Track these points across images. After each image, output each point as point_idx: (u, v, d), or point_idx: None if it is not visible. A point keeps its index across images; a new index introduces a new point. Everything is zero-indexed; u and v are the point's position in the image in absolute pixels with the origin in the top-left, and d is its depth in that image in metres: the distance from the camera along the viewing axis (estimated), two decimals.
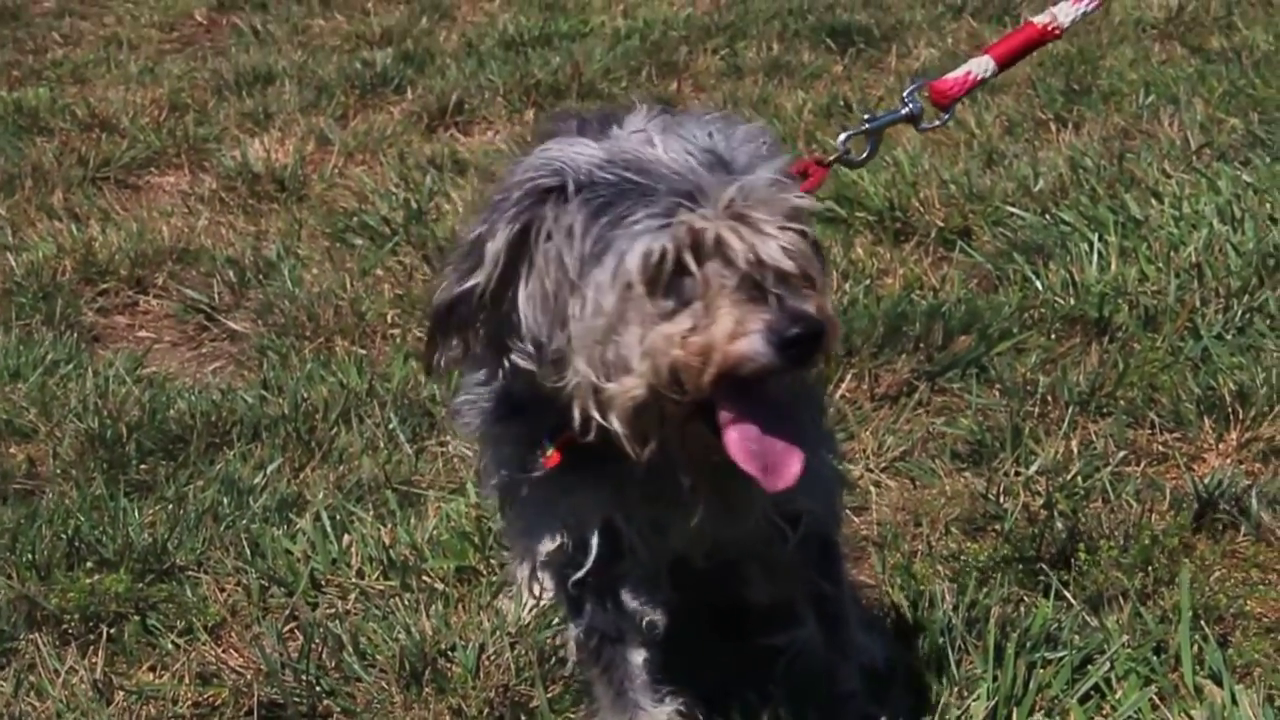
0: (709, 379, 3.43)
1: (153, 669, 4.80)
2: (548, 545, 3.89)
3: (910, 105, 4.15)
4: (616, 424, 3.51)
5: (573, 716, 4.44)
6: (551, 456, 3.70)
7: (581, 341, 3.47)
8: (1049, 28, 4.23)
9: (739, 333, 3.39)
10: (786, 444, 3.51)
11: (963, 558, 4.94)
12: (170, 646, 4.86)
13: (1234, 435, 5.53)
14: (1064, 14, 4.25)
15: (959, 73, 4.16)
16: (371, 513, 5.47)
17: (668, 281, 3.42)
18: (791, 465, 3.50)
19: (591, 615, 3.99)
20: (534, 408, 3.70)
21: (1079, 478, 5.33)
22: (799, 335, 3.39)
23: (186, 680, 4.68)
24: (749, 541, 3.97)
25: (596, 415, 3.52)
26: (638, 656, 4.02)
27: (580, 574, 3.88)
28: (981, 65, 4.17)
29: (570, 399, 3.54)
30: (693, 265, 3.41)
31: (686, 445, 3.58)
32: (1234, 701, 4.12)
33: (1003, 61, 4.22)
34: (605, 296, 3.43)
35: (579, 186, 3.46)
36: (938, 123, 4.22)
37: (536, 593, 4.68)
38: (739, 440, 3.49)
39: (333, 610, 4.97)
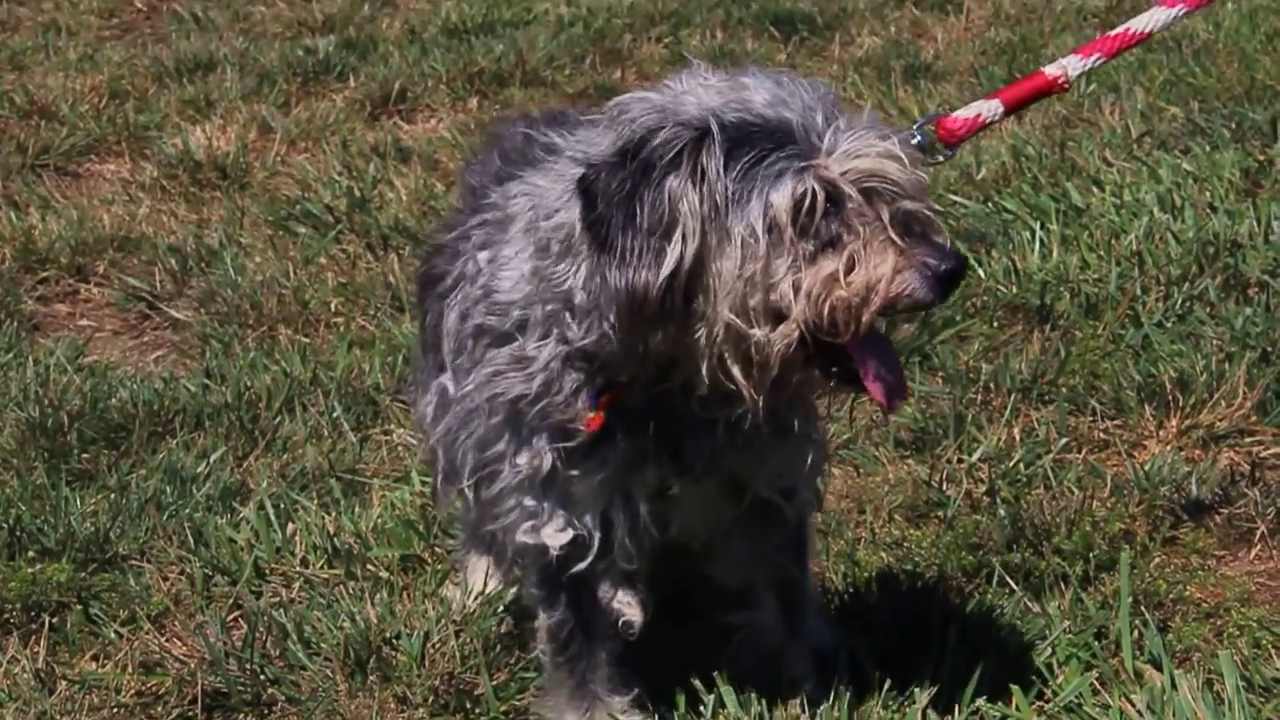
0: (868, 317, 3.49)
1: (95, 658, 4.78)
2: (561, 538, 3.88)
3: (919, 138, 4.18)
4: (753, 373, 3.53)
5: (518, 704, 4.44)
6: (595, 418, 3.71)
7: (726, 288, 3.48)
8: (1059, 80, 4.31)
9: (900, 268, 3.47)
10: (903, 377, 3.64)
11: (906, 545, 4.97)
12: (113, 636, 4.84)
13: (1174, 422, 5.57)
14: (1073, 68, 4.33)
15: (968, 113, 4.21)
16: (316, 501, 5.46)
17: (814, 224, 3.46)
18: (906, 394, 3.67)
19: (566, 608, 4.00)
20: (593, 371, 3.70)
21: (1021, 465, 5.37)
22: (953, 270, 3.50)
23: (130, 669, 4.67)
24: (738, 520, 4.00)
25: (735, 366, 3.53)
26: (603, 649, 4.05)
27: (582, 566, 3.89)
28: (990, 109, 4.24)
29: (693, 352, 3.55)
30: (839, 204, 3.46)
31: (795, 389, 3.63)
32: (1174, 686, 4.15)
33: (1010, 106, 4.31)
34: (754, 240, 3.45)
35: (719, 130, 3.46)
36: (940, 159, 4.25)
37: (497, 581, 4.71)
38: (873, 374, 3.57)
39: (277, 599, 4.96)
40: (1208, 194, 7.06)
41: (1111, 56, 4.42)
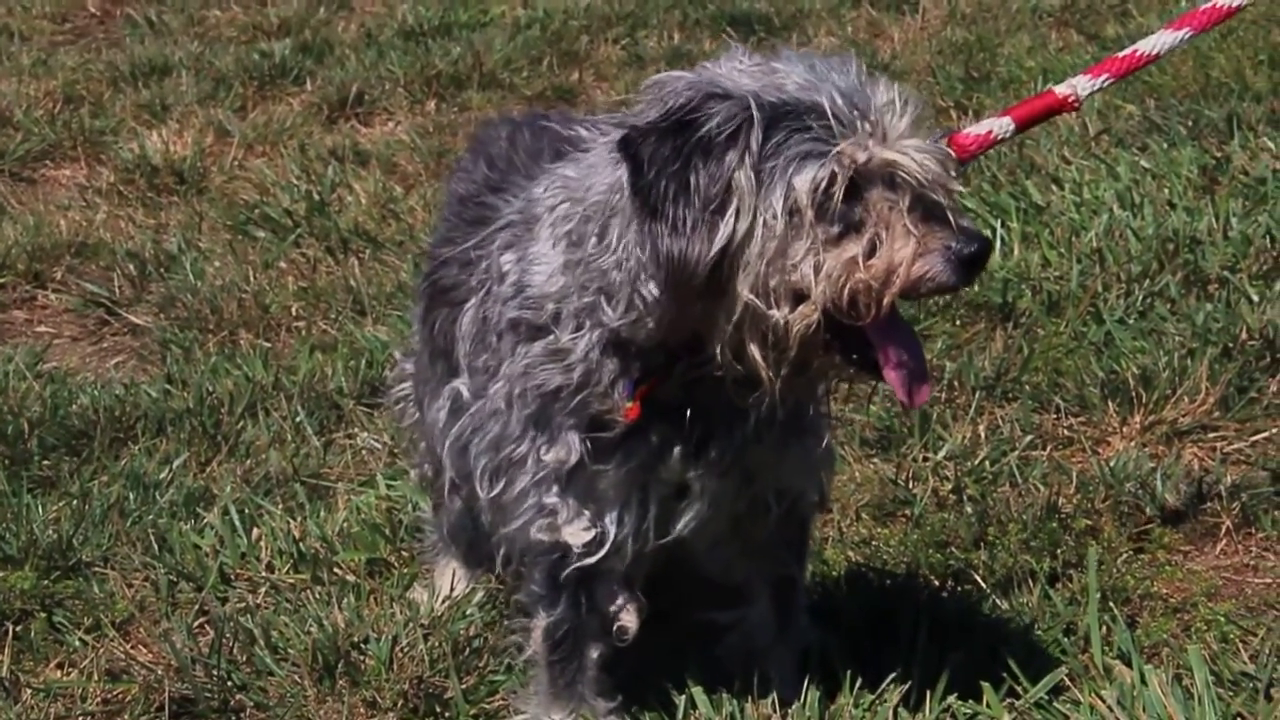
0: (888, 300, 3.50)
1: (60, 666, 4.73)
2: (584, 536, 3.88)
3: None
4: (770, 354, 3.54)
5: (487, 707, 4.42)
6: (633, 408, 3.72)
7: (748, 267, 3.48)
8: (1068, 99, 4.36)
9: (921, 252, 3.48)
10: (925, 367, 3.65)
11: (874, 543, 4.97)
12: (78, 643, 4.80)
13: (1138, 418, 5.59)
14: (1082, 87, 4.39)
15: (979, 129, 4.24)
16: (280, 506, 5.43)
17: (834, 207, 3.47)
18: (929, 386, 3.66)
19: (566, 608, 4.00)
20: (629, 360, 3.71)
21: (987, 462, 5.38)
22: (976, 253, 3.51)
23: (95, 677, 4.62)
24: (742, 519, 4.00)
25: (753, 345, 3.54)
26: (594, 652, 4.06)
27: (591, 561, 3.88)
28: (1001, 126, 4.30)
29: (709, 334, 3.57)
30: (861, 189, 3.48)
31: (812, 374, 3.65)
32: (1143, 681, 4.16)
33: (1021, 124, 4.37)
34: (774, 221, 3.46)
35: (758, 110, 3.47)
36: (951, 174, 4.27)
37: (465, 584, 4.72)
38: (893, 362, 3.60)
39: (243, 604, 4.92)
40: (1166, 191, 7.09)
41: (1120, 77, 4.49)
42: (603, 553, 3.87)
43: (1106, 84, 4.44)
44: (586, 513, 3.87)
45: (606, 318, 3.68)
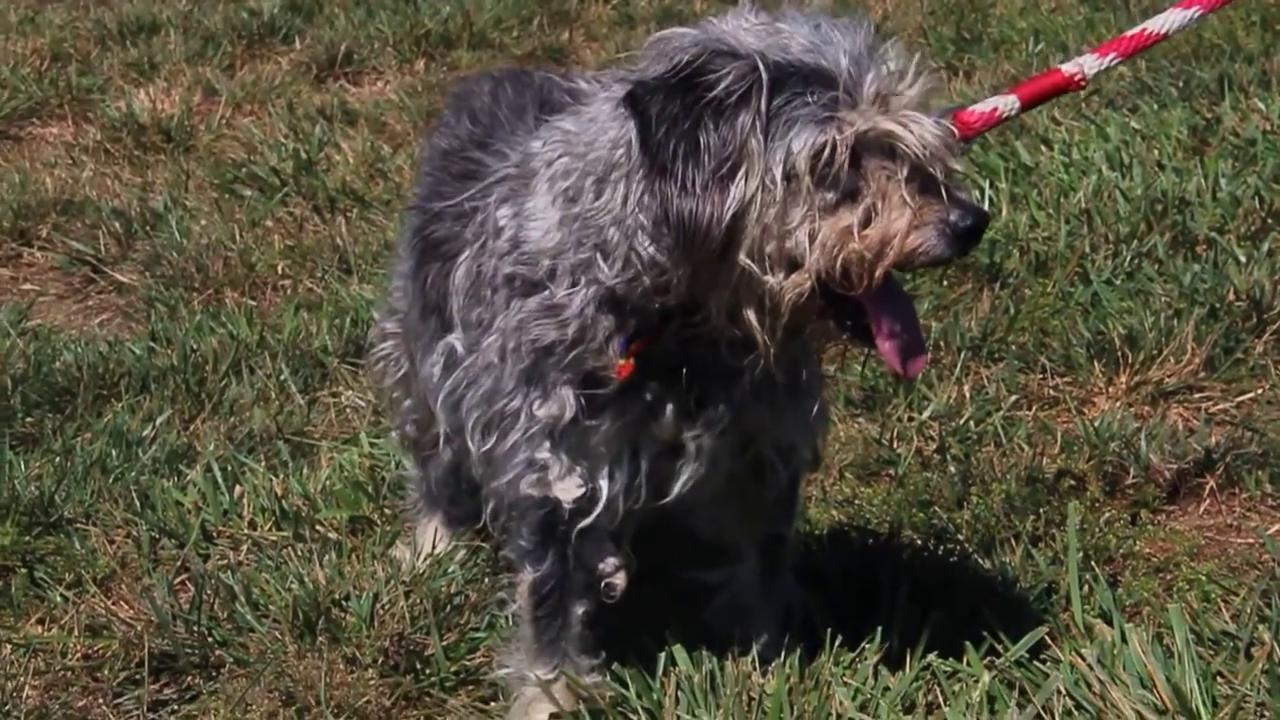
0: (881, 271, 3.48)
1: (41, 622, 4.73)
2: (576, 492, 3.86)
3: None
4: (764, 318, 3.52)
5: (468, 664, 4.42)
6: (625, 365, 3.70)
7: (744, 231, 3.45)
8: (1075, 77, 4.35)
9: (917, 224, 3.45)
10: (921, 339, 3.61)
11: (857, 502, 4.96)
12: (59, 599, 4.80)
13: (1123, 378, 5.58)
14: (1089, 66, 4.38)
15: (984, 107, 4.22)
16: (263, 463, 5.43)
17: (832, 175, 3.44)
18: (923, 358, 3.63)
19: (553, 563, 3.98)
20: (624, 317, 3.69)
21: (971, 422, 5.37)
22: (973, 226, 3.48)
23: (76, 633, 4.62)
24: (740, 478, 4.00)
25: (749, 309, 3.52)
26: (579, 608, 4.04)
27: (587, 521, 3.87)
28: (1007, 104, 4.28)
29: (705, 295, 3.55)
30: (860, 158, 3.44)
31: (806, 339, 3.64)
32: (1124, 640, 4.15)
33: (1027, 102, 4.36)
34: (773, 185, 3.43)
35: (765, 70, 3.44)
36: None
37: (446, 542, 4.71)
38: (886, 332, 3.56)
39: (225, 561, 4.92)
40: (1156, 152, 7.07)
41: (1127, 56, 4.47)
42: (598, 509, 3.84)
43: (1115, 63, 4.43)
44: (578, 468, 3.85)
45: (602, 275, 3.66)
